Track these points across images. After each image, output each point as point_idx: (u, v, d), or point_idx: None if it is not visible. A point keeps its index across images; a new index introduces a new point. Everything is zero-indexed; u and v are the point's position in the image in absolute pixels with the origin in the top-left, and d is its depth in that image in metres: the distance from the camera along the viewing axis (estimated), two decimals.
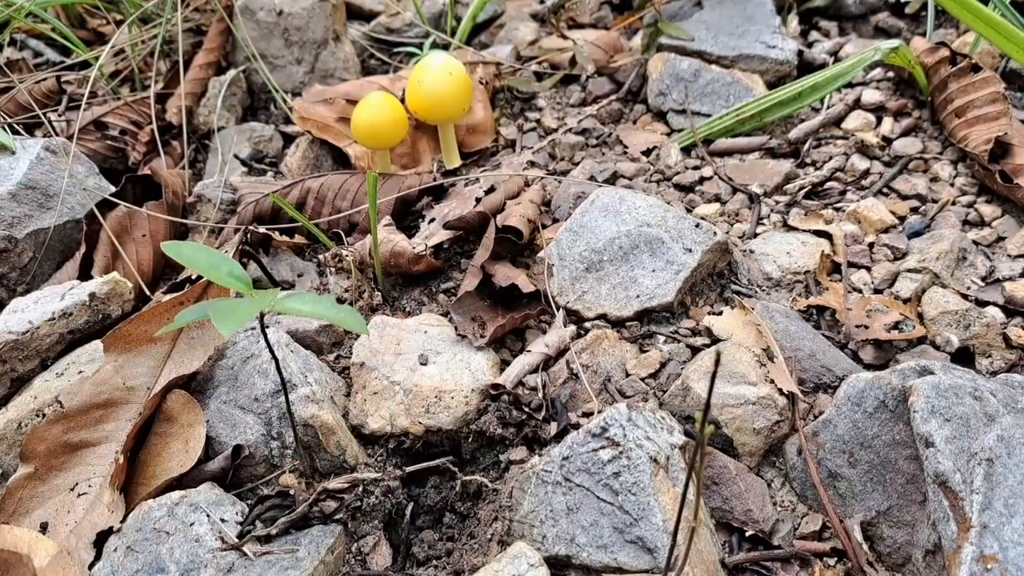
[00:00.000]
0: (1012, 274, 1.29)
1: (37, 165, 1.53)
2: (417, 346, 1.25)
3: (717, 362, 0.67)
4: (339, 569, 1.04)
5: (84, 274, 1.49)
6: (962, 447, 0.95)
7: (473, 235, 1.45)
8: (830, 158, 1.58)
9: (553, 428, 1.15)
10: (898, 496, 1.02)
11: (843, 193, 1.51)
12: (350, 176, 1.62)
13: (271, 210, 1.56)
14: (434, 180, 1.58)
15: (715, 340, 1.22)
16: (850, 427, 1.06)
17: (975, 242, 1.36)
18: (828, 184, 1.53)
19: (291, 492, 1.08)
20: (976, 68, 1.55)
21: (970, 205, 1.44)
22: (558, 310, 1.30)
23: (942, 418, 0.97)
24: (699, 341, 1.24)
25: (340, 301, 1.41)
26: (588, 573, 0.98)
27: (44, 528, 1.06)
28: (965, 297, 1.25)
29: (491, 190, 1.48)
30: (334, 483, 1.08)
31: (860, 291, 1.30)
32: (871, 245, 1.38)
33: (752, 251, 1.38)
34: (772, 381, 1.12)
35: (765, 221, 1.47)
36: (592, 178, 1.58)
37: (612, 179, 1.58)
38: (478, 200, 1.44)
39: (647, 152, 1.68)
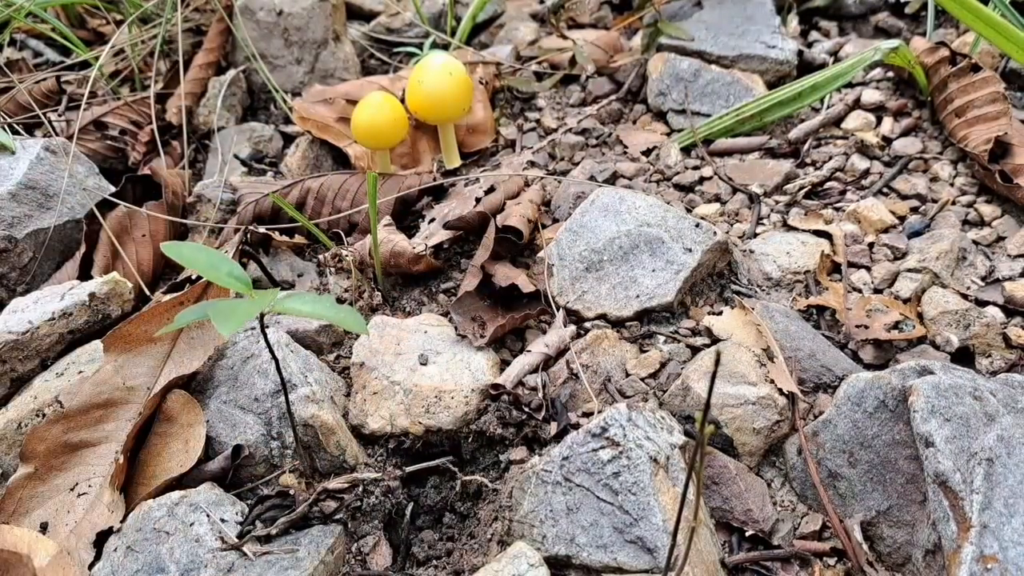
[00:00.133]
0: (1012, 274, 1.29)
1: (37, 165, 1.53)
2: (417, 346, 1.25)
3: (717, 362, 0.67)
4: (339, 569, 1.04)
5: (84, 274, 1.49)
6: (962, 447, 0.95)
7: (473, 235, 1.45)
8: (830, 158, 1.58)
9: (553, 428, 1.15)
10: (898, 496, 1.02)
11: (843, 193, 1.51)
12: (350, 176, 1.62)
13: (271, 210, 1.56)
14: (434, 180, 1.58)
15: (715, 340, 1.22)
16: (850, 427, 1.06)
17: (975, 242, 1.36)
18: (828, 184, 1.53)
19: (291, 492, 1.08)
20: (976, 68, 1.55)
21: (970, 205, 1.44)
22: (558, 310, 1.30)
23: (942, 418, 0.97)
24: (699, 341, 1.24)
25: (340, 301, 1.41)
26: (588, 573, 0.98)
27: (44, 528, 1.06)
28: (965, 297, 1.25)
29: (491, 190, 1.48)
30: (334, 483, 1.08)
31: (860, 291, 1.30)
32: (871, 245, 1.38)
33: (752, 251, 1.38)
34: (772, 381, 1.12)
35: (765, 221, 1.47)
36: (592, 178, 1.58)
37: (612, 179, 1.58)
38: (478, 200, 1.44)
39: (647, 152, 1.68)
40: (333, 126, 1.74)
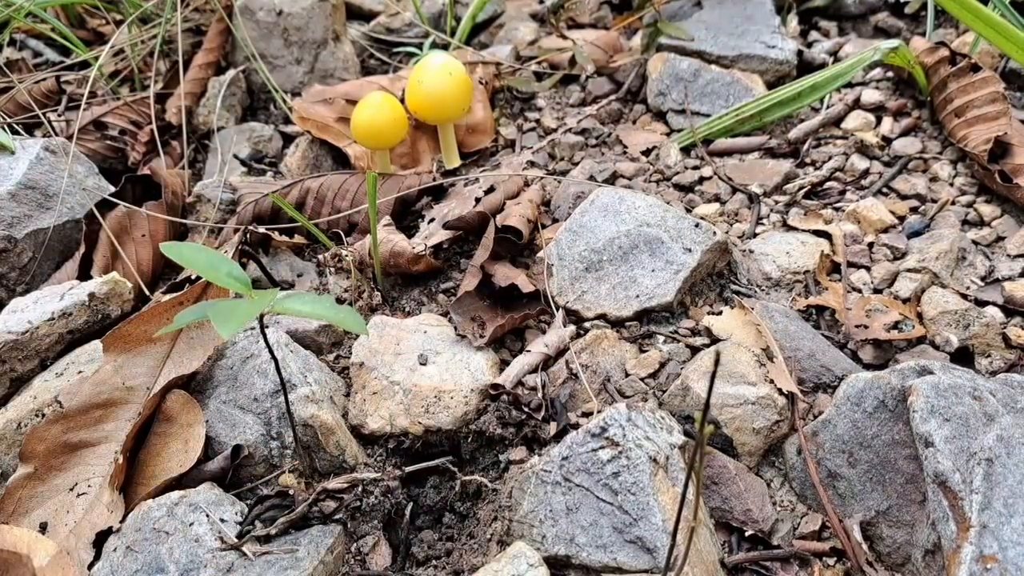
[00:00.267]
0: (1011, 274, 1.29)
1: (37, 165, 1.53)
2: (417, 346, 1.25)
3: (717, 362, 0.67)
4: (339, 569, 1.04)
5: (83, 274, 1.49)
6: (961, 447, 0.95)
7: (473, 235, 1.45)
8: (830, 158, 1.58)
9: (553, 428, 1.15)
10: (897, 496, 1.02)
11: (843, 193, 1.51)
12: (350, 176, 1.62)
13: (271, 210, 1.56)
14: (434, 180, 1.58)
15: (714, 340, 1.22)
16: (849, 427, 1.06)
17: (974, 242, 1.36)
18: (828, 184, 1.53)
19: (291, 492, 1.08)
20: (976, 68, 1.55)
21: (969, 205, 1.44)
22: (557, 310, 1.30)
23: (941, 418, 0.97)
24: (699, 341, 1.24)
25: (339, 301, 1.41)
26: (588, 573, 0.98)
27: (44, 528, 1.06)
28: (964, 297, 1.25)
29: (491, 190, 1.48)
30: (333, 483, 1.08)
31: (860, 291, 1.30)
32: (871, 245, 1.38)
33: (752, 251, 1.38)
34: (772, 381, 1.12)
35: (765, 221, 1.47)
36: (592, 178, 1.58)
37: (612, 179, 1.58)
38: (478, 200, 1.44)
39: (647, 152, 1.68)
40: (333, 126, 1.74)
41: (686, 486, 0.76)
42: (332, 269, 1.46)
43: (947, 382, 1.01)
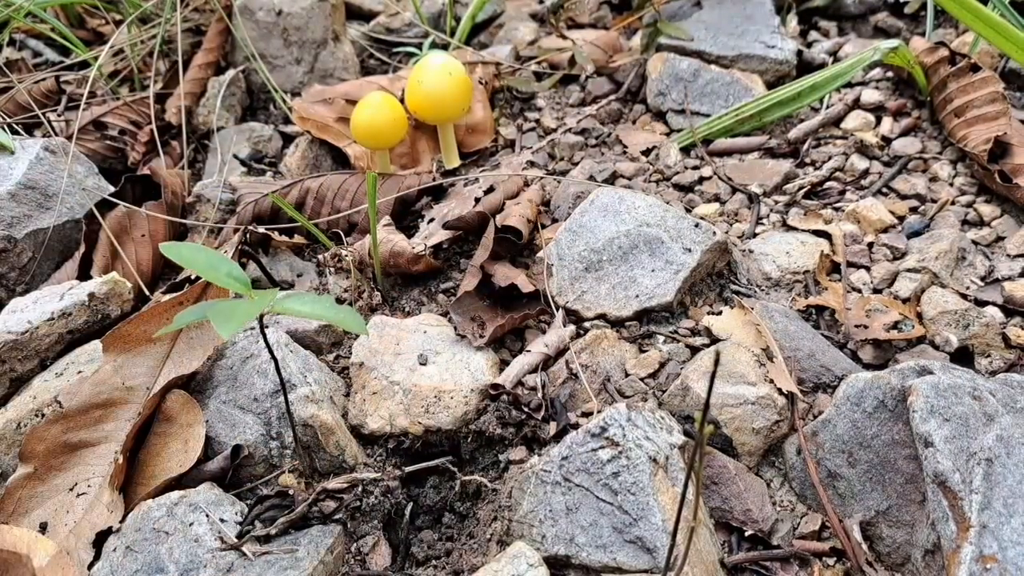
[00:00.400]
0: (1011, 274, 1.29)
1: (36, 165, 1.53)
2: (416, 346, 1.25)
3: (716, 362, 0.67)
4: (338, 569, 1.04)
5: (83, 274, 1.49)
6: (961, 447, 0.95)
7: (472, 235, 1.45)
8: (829, 158, 1.58)
9: (552, 428, 1.15)
10: (897, 496, 1.02)
11: (842, 193, 1.51)
12: (349, 176, 1.62)
13: (270, 210, 1.56)
14: (433, 180, 1.58)
15: (714, 340, 1.22)
16: (849, 427, 1.06)
17: (974, 242, 1.36)
18: (827, 184, 1.53)
19: (290, 492, 1.08)
20: (975, 68, 1.55)
21: (969, 205, 1.44)
22: (557, 310, 1.30)
23: (941, 418, 0.98)
24: (698, 341, 1.24)
25: (339, 301, 1.41)
26: (587, 573, 0.98)
27: (43, 528, 1.06)
28: (964, 297, 1.25)
29: (490, 190, 1.48)
30: (333, 483, 1.08)
31: (859, 291, 1.30)
32: (870, 245, 1.38)
33: (751, 251, 1.38)
34: (771, 381, 1.12)
35: (764, 221, 1.47)
36: (591, 178, 1.58)
37: (611, 179, 1.58)
38: (477, 200, 1.44)
39: (646, 152, 1.68)
40: (332, 126, 1.74)
41: (686, 486, 0.76)
42: (332, 269, 1.46)
43: (947, 382, 1.01)
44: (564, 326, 1.27)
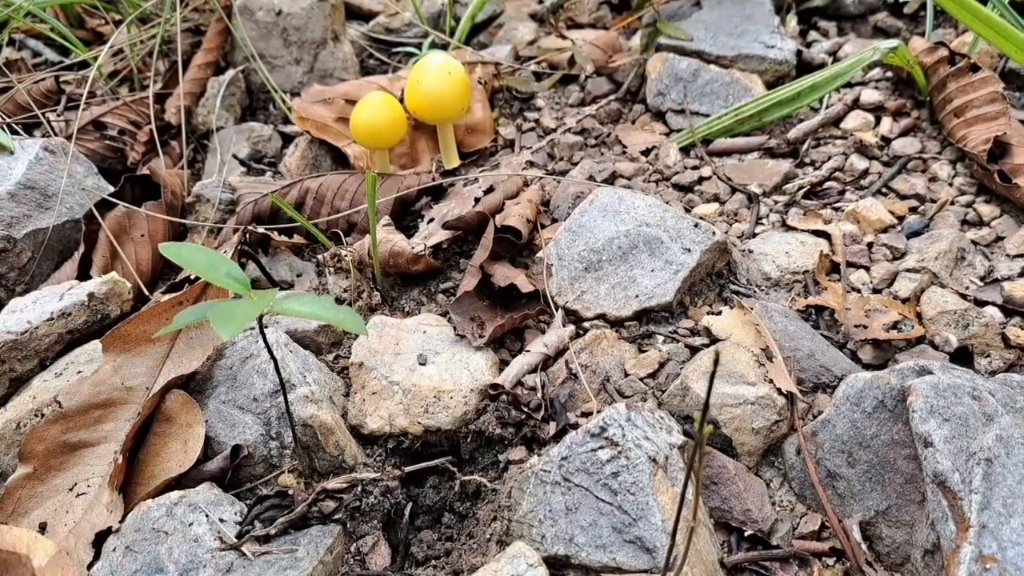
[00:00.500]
0: (1011, 274, 1.29)
1: (36, 165, 1.53)
2: (416, 346, 1.25)
3: (716, 362, 0.67)
4: (338, 569, 1.04)
5: (83, 274, 1.49)
6: (961, 447, 0.95)
7: (472, 235, 1.45)
8: (829, 158, 1.58)
9: (552, 428, 1.15)
10: (897, 496, 1.02)
11: (842, 193, 1.51)
12: (349, 176, 1.62)
13: (270, 210, 1.56)
14: (433, 180, 1.58)
15: (714, 340, 1.22)
16: (849, 427, 1.06)
17: (974, 242, 1.36)
18: (827, 184, 1.53)
19: (290, 492, 1.08)
20: (975, 68, 1.55)
21: (969, 205, 1.44)
22: (557, 310, 1.30)
23: (941, 418, 0.98)
24: (698, 341, 1.24)
25: (339, 301, 1.41)
26: (587, 573, 0.98)
27: (43, 528, 1.06)
28: (964, 297, 1.25)
29: (490, 190, 1.48)
30: (333, 483, 1.08)
31: (859, 291, 1.30)
32: (870, 245, 1.38)
33: (751, 251, 1.38)
34: (771, 381, 1.12)
35: (764, 221, 1.47)
36: (591, 178, 1.58)
37: (611, 179, 1.58)
38: (477, 200, 1.44)
39: (646, 152, 1.68)
40: (332, 126, 1.74)
41: (685, 486, 0.76)
42: (331, 269, 1.45)
43: (946, 382, 1.01)
44: (563, 326, 1.27)
